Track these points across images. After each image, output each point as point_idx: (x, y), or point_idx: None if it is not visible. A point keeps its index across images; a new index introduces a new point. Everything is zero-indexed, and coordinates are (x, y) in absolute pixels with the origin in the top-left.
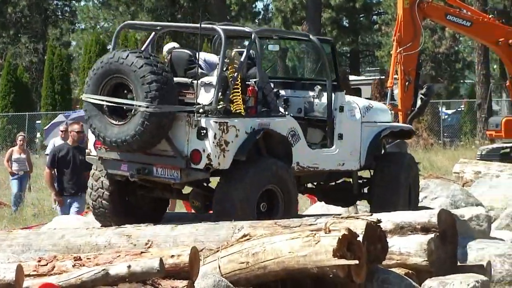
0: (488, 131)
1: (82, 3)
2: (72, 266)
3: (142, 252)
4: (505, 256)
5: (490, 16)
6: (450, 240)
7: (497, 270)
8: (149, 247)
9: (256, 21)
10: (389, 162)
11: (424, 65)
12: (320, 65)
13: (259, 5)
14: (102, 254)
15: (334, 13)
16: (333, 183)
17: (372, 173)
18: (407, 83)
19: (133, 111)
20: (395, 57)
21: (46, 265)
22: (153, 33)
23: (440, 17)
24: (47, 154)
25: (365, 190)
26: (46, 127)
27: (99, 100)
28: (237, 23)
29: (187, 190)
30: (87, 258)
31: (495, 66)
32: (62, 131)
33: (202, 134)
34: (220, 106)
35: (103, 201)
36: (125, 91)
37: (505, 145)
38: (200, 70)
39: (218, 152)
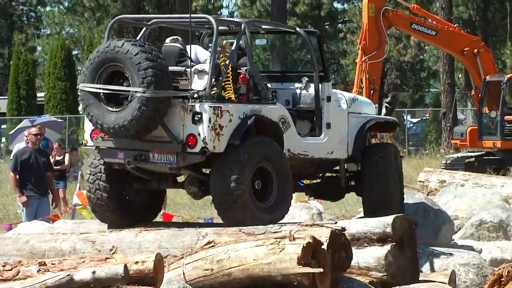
0: (453, 140)
1: (48, 8)
2: (37, 271)
3: (106, 258)
4: (469, 265)
5: (455, 26)
6: (408, 244)
7: (461, 280)
8: (113, 253)
9: None
10: (376, 154)
11: (389, 73)
12: (308, 57)
13: (225, 13)
14: (67, 260)
15: (299, 21)
16: (321, 179)
17: (359, 166)
18: (372, 91)
19: (129, 97)
20: (360, 66)
21: (11, 270)
22: (144, 28)
23: (405, 26)
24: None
25: (353, 183)
26: (11, 132)
27: (96, 88)
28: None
29: (181, 179)
30: (52, 264)
31: (460, 75)
32: (27, 136)
33: (197, 118)
34: (214, 91)
35: (101, 193)
36: (121, 80)
37: (470, 154)
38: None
39: (213, 136)
